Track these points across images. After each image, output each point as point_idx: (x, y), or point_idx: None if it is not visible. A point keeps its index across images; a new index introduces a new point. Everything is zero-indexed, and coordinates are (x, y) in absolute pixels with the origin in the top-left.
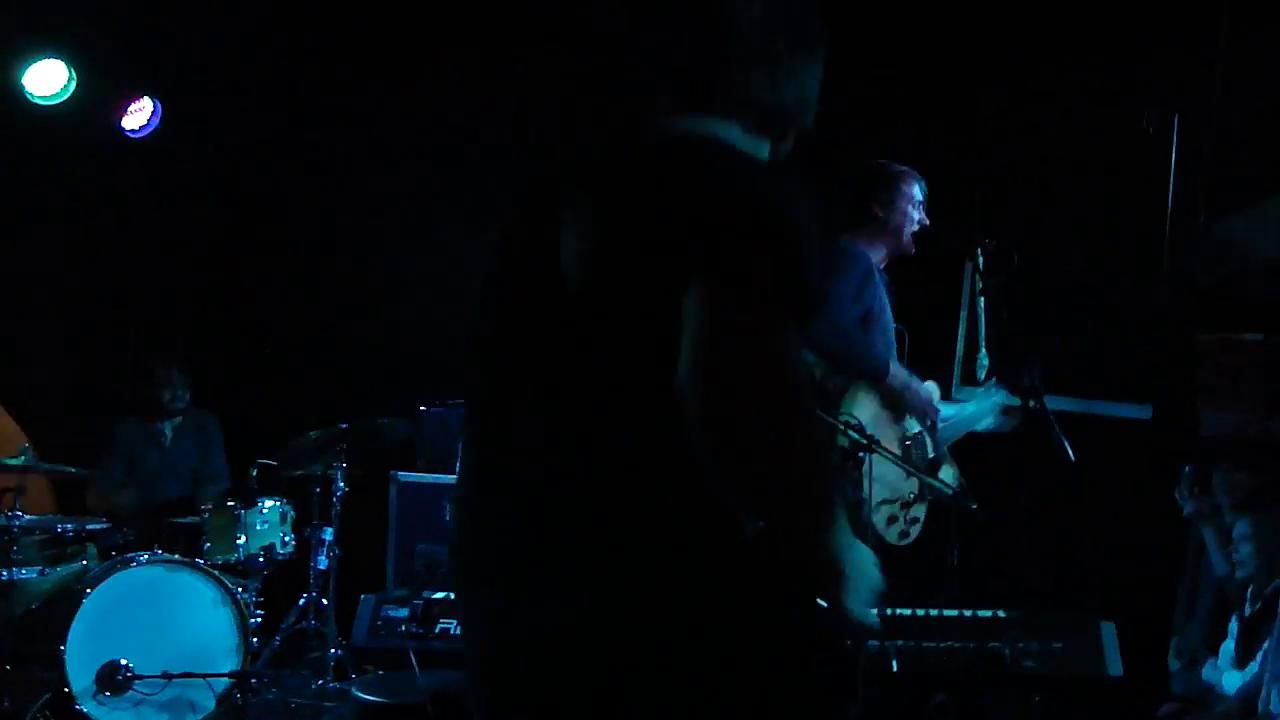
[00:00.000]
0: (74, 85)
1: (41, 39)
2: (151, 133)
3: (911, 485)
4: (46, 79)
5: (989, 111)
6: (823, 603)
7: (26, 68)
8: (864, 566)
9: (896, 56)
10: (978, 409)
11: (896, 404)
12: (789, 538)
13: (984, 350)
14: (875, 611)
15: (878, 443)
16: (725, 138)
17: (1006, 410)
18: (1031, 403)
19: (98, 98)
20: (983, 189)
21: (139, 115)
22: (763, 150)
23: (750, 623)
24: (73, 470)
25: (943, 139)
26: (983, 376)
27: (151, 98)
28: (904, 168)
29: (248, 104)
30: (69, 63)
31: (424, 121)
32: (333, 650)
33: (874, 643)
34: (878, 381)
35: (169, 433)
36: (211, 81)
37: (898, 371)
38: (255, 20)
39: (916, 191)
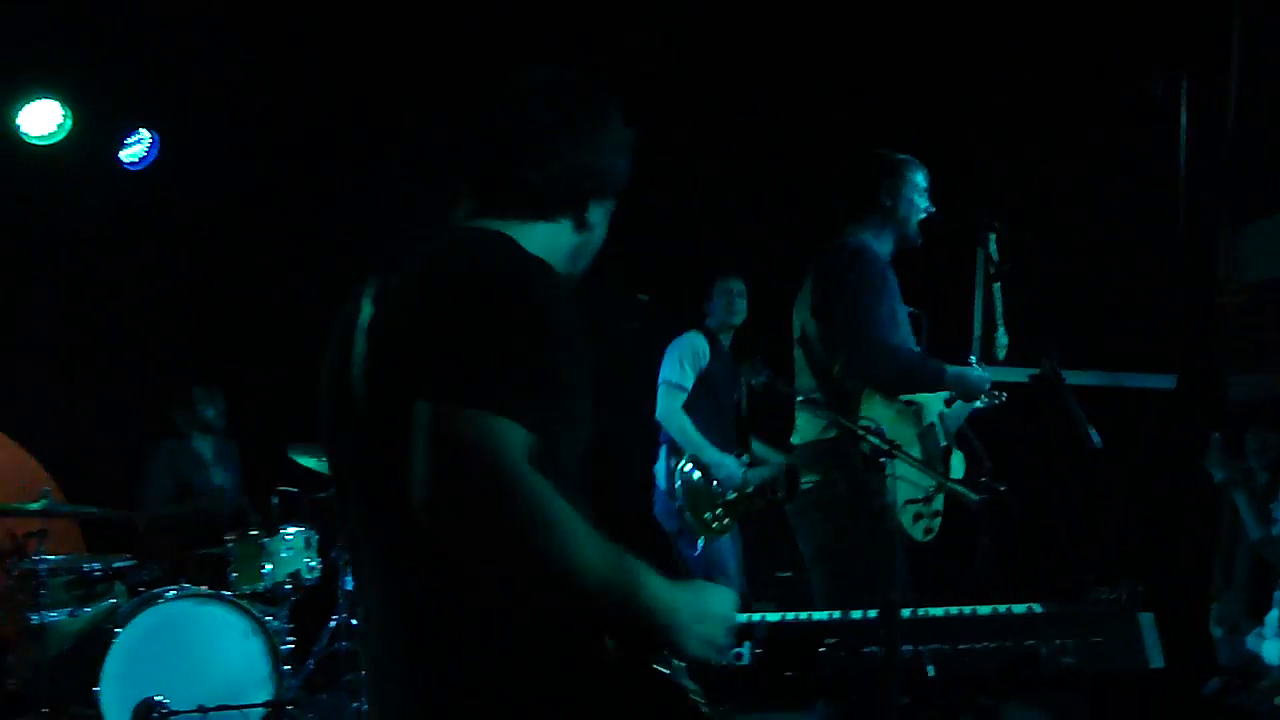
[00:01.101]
0: (70, 123)
1: (36, 79)
2: (150, 164)
3: (929, 481)
4: (41, 119)
5: (991, 91)
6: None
7: (20, 109)
8: (699, 604)
9: (896, 40)
10: (962, 409)
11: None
12: (590, 620)
13: (1001, 329)
14: (725, 646)
15: (898, 446)
16: (500, 232)
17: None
18: (1051, 387)
19: (95, 132)
20: (990, 171)
21: (137, 148)
22: (556, 233)
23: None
24: (94, 511)
25: (946, 122)
26: (1002, 357)
27: (149, 130)
28: (905, 156)
29: (245, 131)
30: (65, 101)
31: (422, 148)
32: (365, 673)
33: (908, 647)
34: (939, 385)
35: (209, 454)
36: (208, 110)
37: (949, 368)
38: (251, 47)
39: (920, 179)
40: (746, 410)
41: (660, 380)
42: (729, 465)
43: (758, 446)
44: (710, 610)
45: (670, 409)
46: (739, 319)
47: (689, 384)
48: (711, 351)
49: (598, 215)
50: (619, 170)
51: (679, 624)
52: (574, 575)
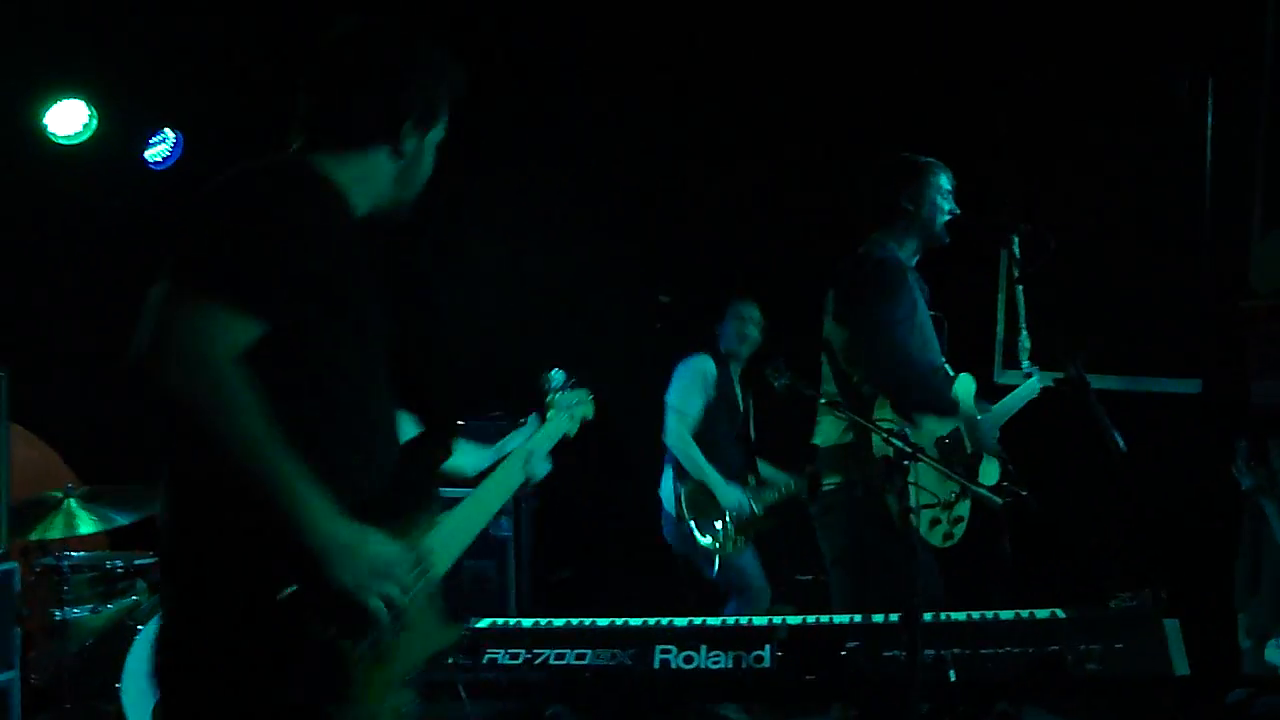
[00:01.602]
0: (95, 123)
1: (61, 78)
2: (174, 164)
3: (952, 485)
4: (67, 119)
5: (1014, 91)
6: (291, 587)
7: (48, 109)
8: (360, 541)
9: (919, 41)
10: (1017, 399)
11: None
12: (248, 511)
13: (1025, 333)
14: (390, 597)
15: (920, 450)
16: (299, 159)
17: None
18: (1075, 391)
19: (119, 132)
20: (1014, 173)
21: (161, 147)
22: (372, 161)
23: (223, 601)
24: (118, 520)
25: (969, 125)
26: (1026, 360)
27: (173, 129)
28: (929, 159)
29: (268, 130)
30: (90, 101)
31: (453, 141)
32: None
33: (930, 652)
34: (948, 417)
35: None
36: (230, 110)
37: (964, 410)
38: (274, 46)
39: (944, 181)
40: (755, 434)
41: (668, 404)
42: (734, 494)
43: (764, 468)
44: (368, 551)
45: (679, 435)
46: (749, 350)
47: (696, 411)
48: (719, 377)
49: (414, 145)
50: (432, 103)
51: (334, 549)
52: (233, 455)
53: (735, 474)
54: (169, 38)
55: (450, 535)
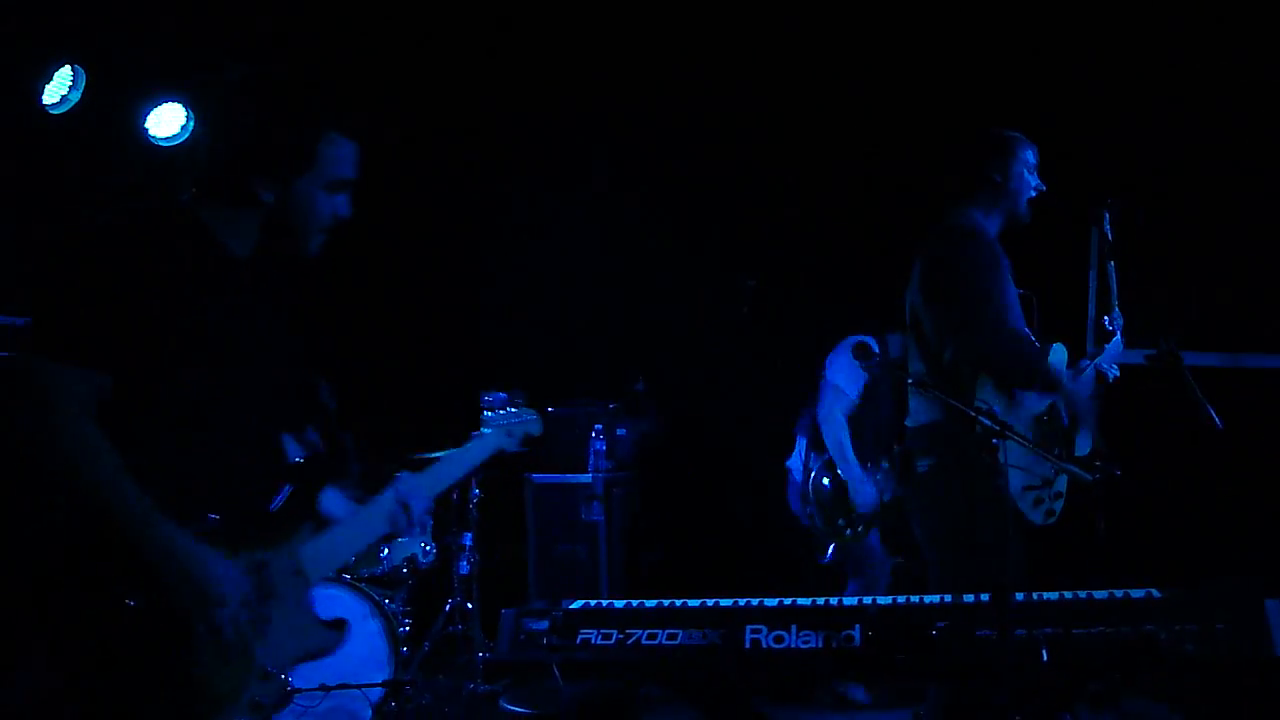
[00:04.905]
0: (193, 125)
1: (163, 83)
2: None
3: (1044, 462)
4: (166, 121)
5: (1105, 64)
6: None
7: (149, 111)
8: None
9: (1011, 13)
10: (1102, 363)
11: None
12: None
13: (1117, 310)
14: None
15: (1010, 427)
16: (172, 207)
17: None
18: (1169, 368)
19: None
20: (1104, 146)
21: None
22: (235, 212)
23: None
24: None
25: (1061, 99)
26: (1118, 337)
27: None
28: (1015, 132)
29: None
30: (187, 104)
31: (543, 135)
32: (480, 654)
33: (1021, 632)
34: (1049, 390)
35: (318, 444)
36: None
37: (1066, 382)
38: (401, 49)
39: (1030, 156)
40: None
41: (828, 380)
42: (869, 491)
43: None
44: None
45: (832, 415)
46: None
47: (856, 391)
48: (881, 355)
49: (275, 194)
50: (289, 153)
51: (205, 597)
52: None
53: (883, 450)
54: (263, 44)
55: (323, 554)
